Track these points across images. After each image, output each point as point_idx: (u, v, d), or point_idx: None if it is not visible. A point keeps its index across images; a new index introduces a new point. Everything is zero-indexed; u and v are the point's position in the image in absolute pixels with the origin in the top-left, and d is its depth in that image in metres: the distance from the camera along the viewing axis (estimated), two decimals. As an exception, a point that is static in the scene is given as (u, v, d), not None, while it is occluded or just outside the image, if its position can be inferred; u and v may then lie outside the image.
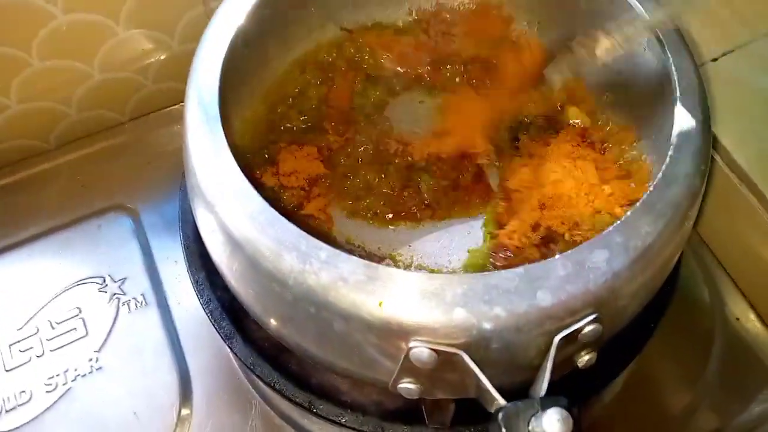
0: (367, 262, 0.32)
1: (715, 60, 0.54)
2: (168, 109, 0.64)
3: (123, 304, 0.53)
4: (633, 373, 0.51)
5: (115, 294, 0.53)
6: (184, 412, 0.49)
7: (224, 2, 0.43)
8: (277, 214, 0.33)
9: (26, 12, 0.50)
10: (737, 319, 0.52)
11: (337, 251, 0.32)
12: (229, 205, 0.34)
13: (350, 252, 0.33)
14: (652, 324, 0.43)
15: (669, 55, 0.40)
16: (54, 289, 0.53)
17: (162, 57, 0.60)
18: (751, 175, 0.49)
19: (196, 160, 0.36)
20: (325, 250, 0.32)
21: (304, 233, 0.33)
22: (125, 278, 0.54)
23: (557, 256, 0.32)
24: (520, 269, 0.31)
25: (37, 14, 0.51)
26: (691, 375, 0.51)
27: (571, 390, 0.35)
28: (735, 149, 0.50)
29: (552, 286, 0.31)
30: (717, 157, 0.51)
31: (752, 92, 0.52)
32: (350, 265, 0.32)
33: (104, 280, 0.54)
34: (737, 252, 0.53)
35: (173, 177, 0.58)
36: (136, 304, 0.53)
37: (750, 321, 0.52)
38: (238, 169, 0.35)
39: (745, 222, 0.50)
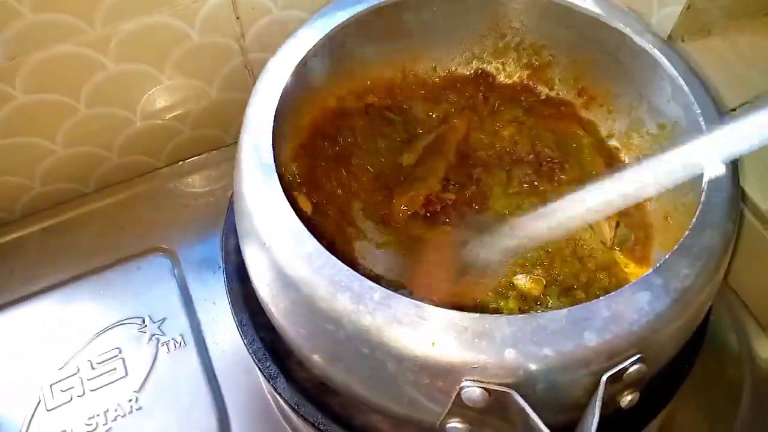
0: (417, 302, 0.33)
1: (733, 110, 0.56)
2: (204, 155, 0.67)
3: (162, 345, 0.54)
4: (663, 424, 0.51)
5: (154, 334, 0.54)
6: (222, 452, 0.49)
7: (281, 48, 0.46)
8: (330, 255, 0.35)
9: (79, 61, 0.53)
10: None
11: (389, 292, 0.34)
12: (286, 248, 0.36)
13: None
14: (687, 365, 0.44)
15: (695, 105, 0.42)
16: (94, 330, 0.55)
17: (201, 105, 0.63)
18: (773, 221, 0.50)
19: (252, 205, 0.38)
20: (378, 290, 0.34)
21: (356, 274, 0.34)
22: (164, 319, 0.55)
23: (601, 298, 0.33)
24: (564, 311, 0.33)
25: (88, 63, 0.53)
26: (722, 423, 0.51)
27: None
28: (760, 199, 0.51)
29: (597, 326, 0.32)
30: (743, 206, 0.52)
31: (771, 140, 0.54)
32: (403, 305, 0.33)
33: (143, 321, 0.55)
34: (765, 297, 0.54)
35: (209, 220, 0.61)
36: (174, 345, 0.54)
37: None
38: (293, 213, 0.37)
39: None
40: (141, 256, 0.59)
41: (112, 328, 0.55)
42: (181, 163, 0.66)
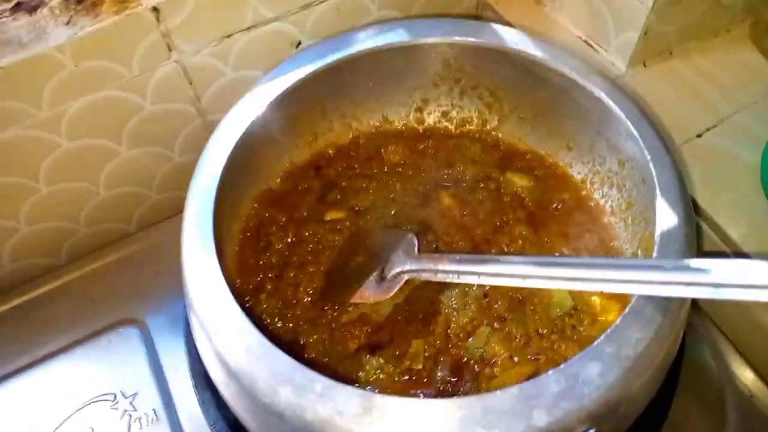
0: (362, 391, 0.32)
1: (699, 136, 0.55)
2: (174, 217, 0.66)
3: (134, 421, 0.53)
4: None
5: (126, 410, 0.53)
6: None
7: (219, 125, 0.46)
8: (271, 345, 0.34)
9: (33, 144, 0.53)
10: (750, 396, 0.51)
11: (333, 382, 0.33)
12: (226, 337, 0.35)
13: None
14: (663, 409, 0.42)
15: (645, 151, 0.41)
16: (67, 410, 0.54)
17: (164, 170, 0.62)
18: (744, 249, 0.49)
19: (193, 289, 0.37)
20: (319, 381, 0.33)
21: (299, 365, 0.33)
22: (136, 393, 0.54)
23: (550, 372, 0.32)
24: (514, 389, 0.32)
25: (42, 144, 0.53)
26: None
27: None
28: (727, 224, 0.50)
29: (547, 404, 0.31)
30: (710, 233, 0.51)
31: (739, 165, 0.52)
32: (346, 396, 0.32)
33: (115, 397, 0.54)
34: (743, 326, 0.52)
35: (179, 287, 0.60)
36: (147, 421, 0.53)
37: (764, 393, 0.51)
38: (233, 300, 0.36)
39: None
40: (112, 329, 0.58)
41: (84, 407, 0.54)
42: (152, 227, 0.66)
